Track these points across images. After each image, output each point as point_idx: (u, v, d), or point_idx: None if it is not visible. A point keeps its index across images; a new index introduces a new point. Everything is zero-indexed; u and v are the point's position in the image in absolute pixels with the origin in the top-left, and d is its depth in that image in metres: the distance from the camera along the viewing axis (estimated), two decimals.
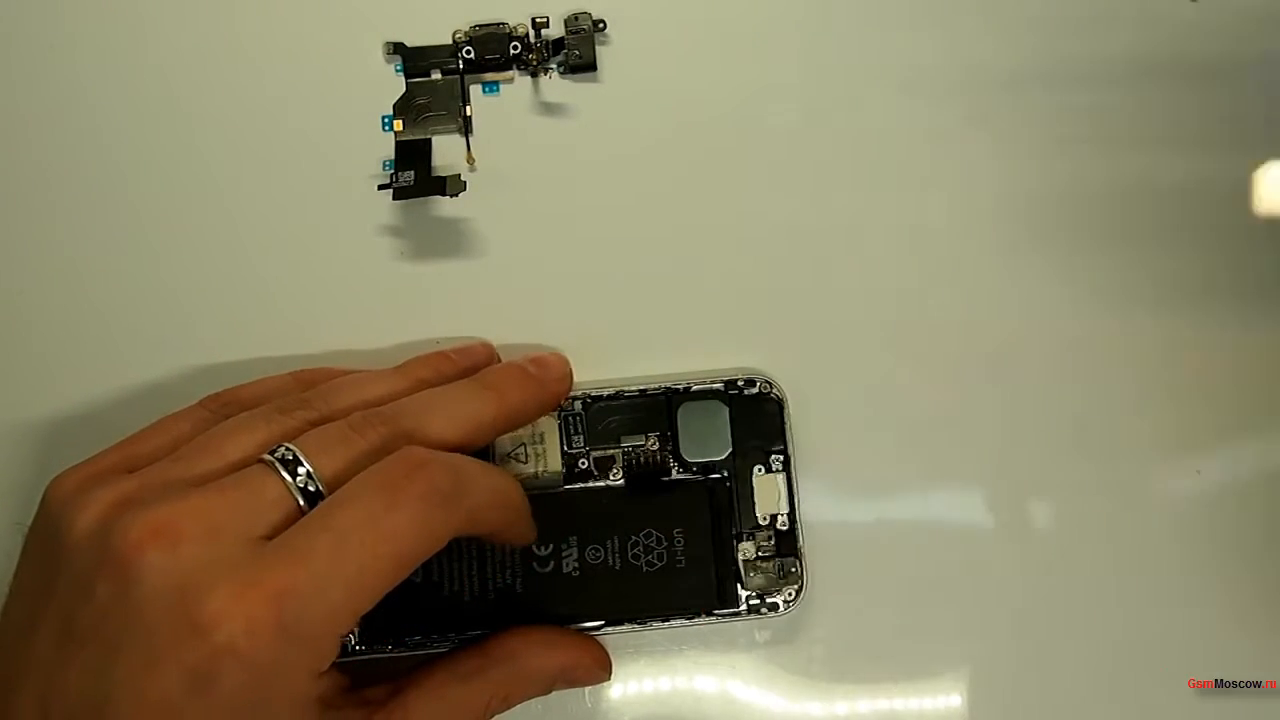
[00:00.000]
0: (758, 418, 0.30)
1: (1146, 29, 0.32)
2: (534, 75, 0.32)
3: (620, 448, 0.30)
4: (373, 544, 0.23)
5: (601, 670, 0.29)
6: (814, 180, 0.32)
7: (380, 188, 0.30)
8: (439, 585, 0.29)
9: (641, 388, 0.30)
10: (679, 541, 0.29)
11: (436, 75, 0.32)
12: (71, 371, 0.31)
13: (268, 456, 0.24)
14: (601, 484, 0.30)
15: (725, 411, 0.30)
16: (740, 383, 0.30)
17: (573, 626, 0.29)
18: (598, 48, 0.32)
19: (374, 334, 0.31)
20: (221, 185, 0.32)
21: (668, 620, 0.29)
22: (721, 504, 0.30)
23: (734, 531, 0.30)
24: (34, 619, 0.24)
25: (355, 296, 0.32)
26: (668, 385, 0.30)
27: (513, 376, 0.28)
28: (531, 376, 0.29)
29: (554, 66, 0.32)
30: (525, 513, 0.28)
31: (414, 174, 0.31)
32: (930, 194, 0.32)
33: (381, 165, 0.32)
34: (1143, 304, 0.32)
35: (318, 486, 0.24)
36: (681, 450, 0.30)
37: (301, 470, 0.24)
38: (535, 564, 0.29)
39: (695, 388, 0.30)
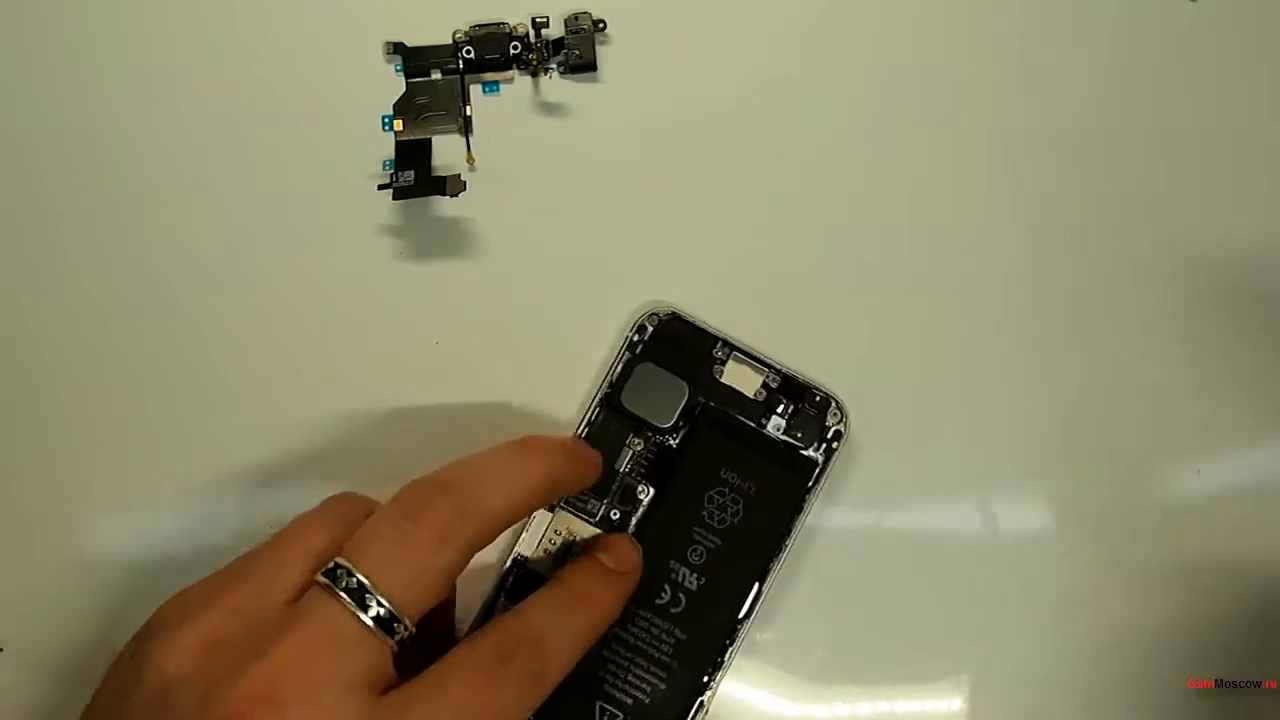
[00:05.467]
0: (677, 342, 0.30)
1: (1146, 29, 0.33)
2: (534, 75, 0.32)
3: (620, 471, 0.30)
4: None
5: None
6: (814, 179, 0.32)
7: (380, 188, 0.30)
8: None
9: (583, 415, 0.30)
10: (731, 477, 0.29)
11: (436, 75, 0.32)
12: (69, 373, 0.31)
13: (327, 582, 0.24)
14: (640, 508, 0.30)
15: (650, 364, 0.30)
16: (634, 335, 0.30)
17: (756, 608, 0.29)
18: (598, 48, 0.32)
19: (374, 334, 0.31)
20: (222, 185, 0.32)
21: (790, 532, 0.29)
22: (724, 421, 0.30)
23: (753, 426, 0.30)
24: None
25: (355, 296, 0.32)
26: (599, 392, 0.30)
27: (554, 443, 0.28)
28: (570, 448, 0.28)
29: (554, 66, 0.32)
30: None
31: (414, 174, 0.31)
32: (931, 196, 0.32)
33: (381, 165, 0.32)
34: (1143, 303, 0.32)
35: (390, 610, 0.23)
36: (659, 424, 0.30)
37: (370, 600, 0.23)
38: (671, 608, 0.29)
39: (618, 369, 0.30)
